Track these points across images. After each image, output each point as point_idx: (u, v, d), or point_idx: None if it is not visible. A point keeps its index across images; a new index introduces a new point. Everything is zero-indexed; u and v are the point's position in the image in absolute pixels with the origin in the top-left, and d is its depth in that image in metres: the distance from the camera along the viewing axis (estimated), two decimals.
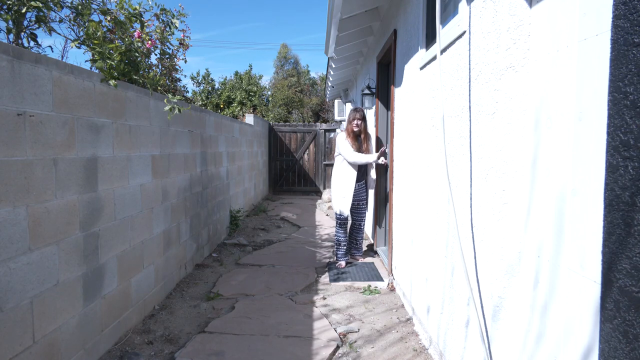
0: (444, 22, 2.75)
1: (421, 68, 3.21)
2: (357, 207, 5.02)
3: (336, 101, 11.70)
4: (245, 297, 3.99)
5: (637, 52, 1.03)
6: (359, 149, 4.88)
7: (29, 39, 2.78)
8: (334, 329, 3.31)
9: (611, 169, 1.12)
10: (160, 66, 4.45)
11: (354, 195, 4.91)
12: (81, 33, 3.06)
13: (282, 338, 3.15)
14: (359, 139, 4.89)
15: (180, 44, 4.27)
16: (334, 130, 11.73)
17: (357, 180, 4.89)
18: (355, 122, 4.82)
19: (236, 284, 4.33)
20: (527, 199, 1.64)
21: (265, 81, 24.36)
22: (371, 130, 5.59)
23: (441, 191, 2.71)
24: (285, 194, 11.90)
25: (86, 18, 2.94)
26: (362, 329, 3.33)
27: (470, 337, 2.20)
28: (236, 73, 17.16)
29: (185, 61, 4.48)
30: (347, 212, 4.84)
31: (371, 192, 5.51)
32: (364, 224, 5.13)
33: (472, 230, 2.20)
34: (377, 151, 5.01)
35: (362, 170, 4.94)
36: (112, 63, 2.98)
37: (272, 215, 8.47)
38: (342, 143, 4.83)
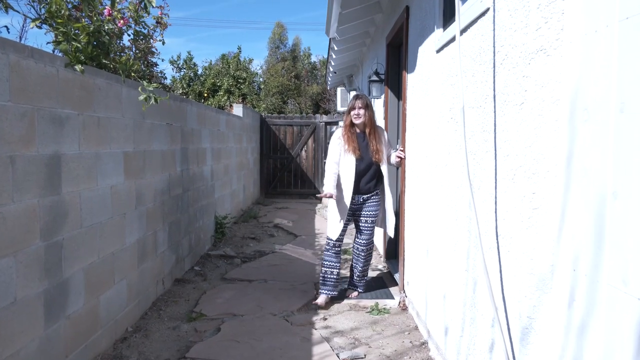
0: None
1: (437, 51, 3.22)
2: (364, 224, 4.43)
3: (339, 89, 11.72)
4: (232, 317, 4.00)
5: None
6: (360, 150, 4.22)
7: None
8: (337, 354, 3.32)
9: None
10: (134, 49, 4.46)
11: (354, 209, 4.35)
12: (42, 11, 3.07)
13: None
14: (361, 137, 4.26)
15: (157, 22, 4.28)
16: (336, 123, 11.74)
17: (363, 192, 4.31)
18: (356, 111, 4.19)
19: (222, 303, 4.34)
20: (560, 203, 1.64)
21: (257, 66, 24.39)
22: (380, 123, 5.33)
23: (461, 194, 2.72)
24: (280, 197, 11.92)
25: None
26: (369, 354, 3.34)
27: None
28: (223, 56, 17.17)
29: (163, 43, 4.47)
30: (334, 236, 4.31)
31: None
32: (367, 249, 4.46)
33: (497, 239, 2.20)
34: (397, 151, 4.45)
35: (368, 176, 4.29)
36: (79, 45, 2.98)
37: (264, 222, 8.49)
38: (332, 143, 4.34)
